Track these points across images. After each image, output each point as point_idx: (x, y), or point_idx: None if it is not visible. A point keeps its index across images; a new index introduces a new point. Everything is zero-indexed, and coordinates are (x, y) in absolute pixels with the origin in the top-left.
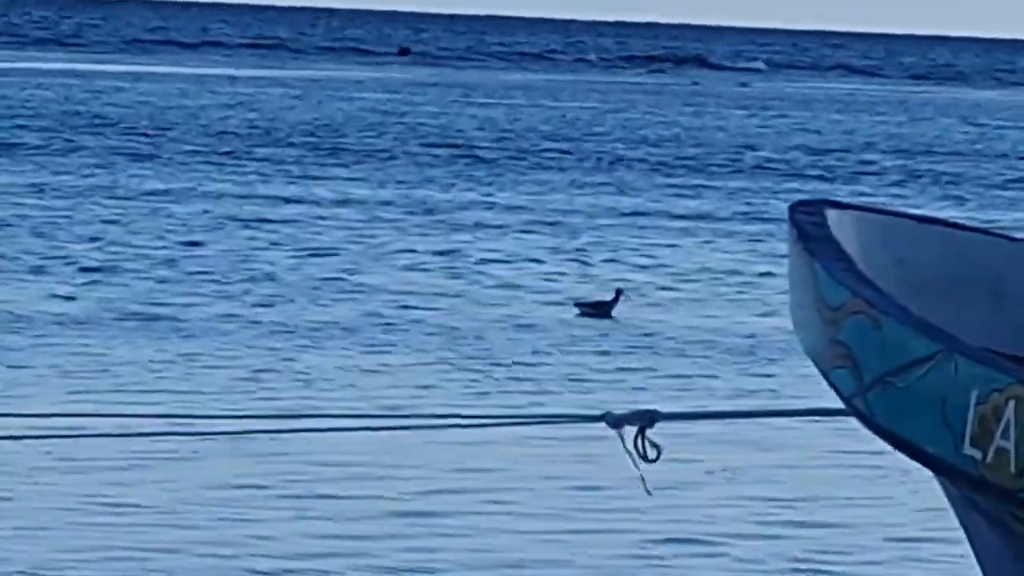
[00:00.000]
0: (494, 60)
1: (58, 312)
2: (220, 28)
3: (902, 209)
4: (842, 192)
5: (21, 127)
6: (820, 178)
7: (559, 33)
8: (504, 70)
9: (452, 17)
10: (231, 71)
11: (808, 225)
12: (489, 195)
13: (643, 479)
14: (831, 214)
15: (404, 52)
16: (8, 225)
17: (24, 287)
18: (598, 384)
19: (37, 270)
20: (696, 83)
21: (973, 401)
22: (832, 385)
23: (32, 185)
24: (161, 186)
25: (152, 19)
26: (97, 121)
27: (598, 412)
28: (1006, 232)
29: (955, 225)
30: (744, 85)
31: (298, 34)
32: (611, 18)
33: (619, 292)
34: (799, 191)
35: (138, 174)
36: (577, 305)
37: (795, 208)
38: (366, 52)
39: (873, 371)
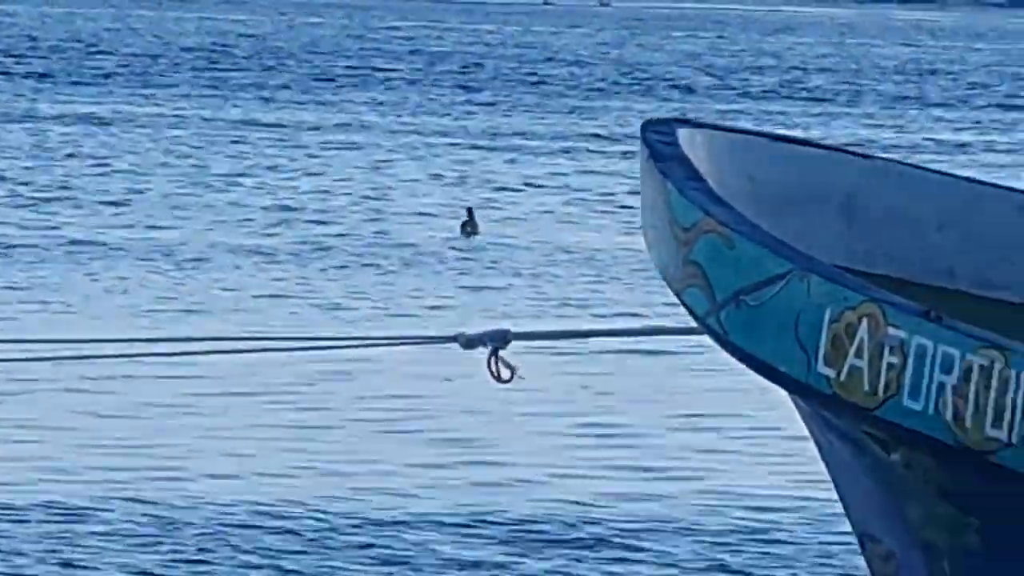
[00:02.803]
0: None
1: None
2: None
3: (755, 127)
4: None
5: None
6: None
7: None
8: None
9: None
10: None
11: (659, 144)
12: (343, 115)
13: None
14: (682, 133)
15: None
16: None
17: None
18: (457, 304)
19: None
20: (548, 3)
21: (827, 319)
22: (685, 304)
23: None
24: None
25: None
26: None
27: (452, 333)
28: (859, 149)
29: (807, 143)
30: (605, 5)
31: None
32: None
33: (470, 210)
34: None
35: None
36: (462, 226)
37: (647, 127)
38: None
39: (726, 290)
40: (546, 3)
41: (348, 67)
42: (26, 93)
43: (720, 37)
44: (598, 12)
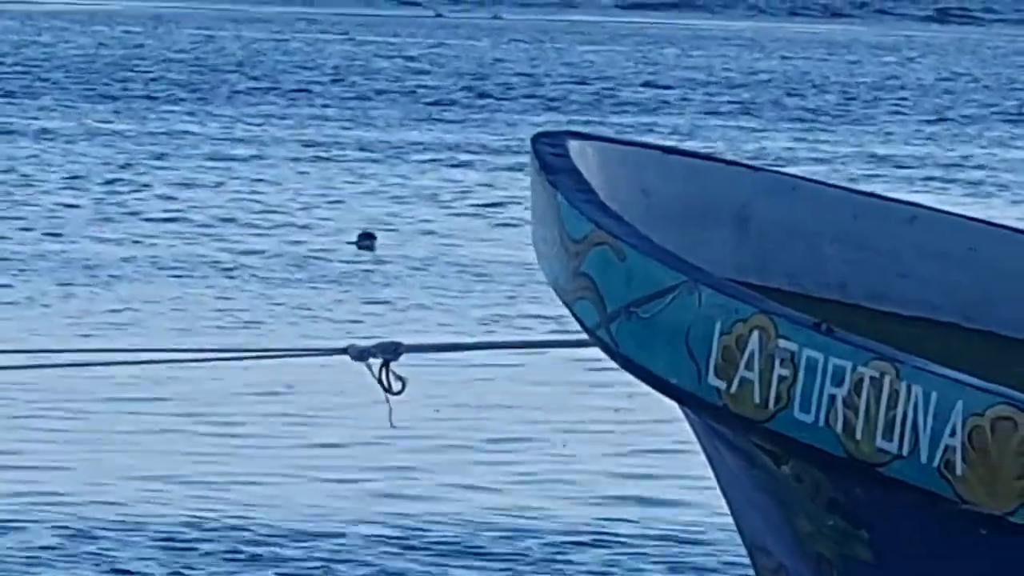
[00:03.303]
0: None
1: None
2: None
3: (646, 140)
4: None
5: None
6: (585, 109)
7: None
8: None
9: None
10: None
11: (550, 156)
12: (231, 126)
13: (389, 410)
14: (573, 145)
15: None
16: None
17: None
18: (349, 317)
19: None
20: (439, 15)
21: (717, 331)
22: (576, 316)
23: None
24: None
25: None
26: None
27: (342, 344)
28: (750, 161)
29: (699, 155)
30: (497, 18)
31: None
32: None
33: (366, 233)
34: (560, 123)
35: None
36: (359, 238)
37: (537, 139)
38: None
39: (616, 302)
40: (438, 15)
41: (250, 79)
42: None
43: (614, 50)
44: (493, 24)
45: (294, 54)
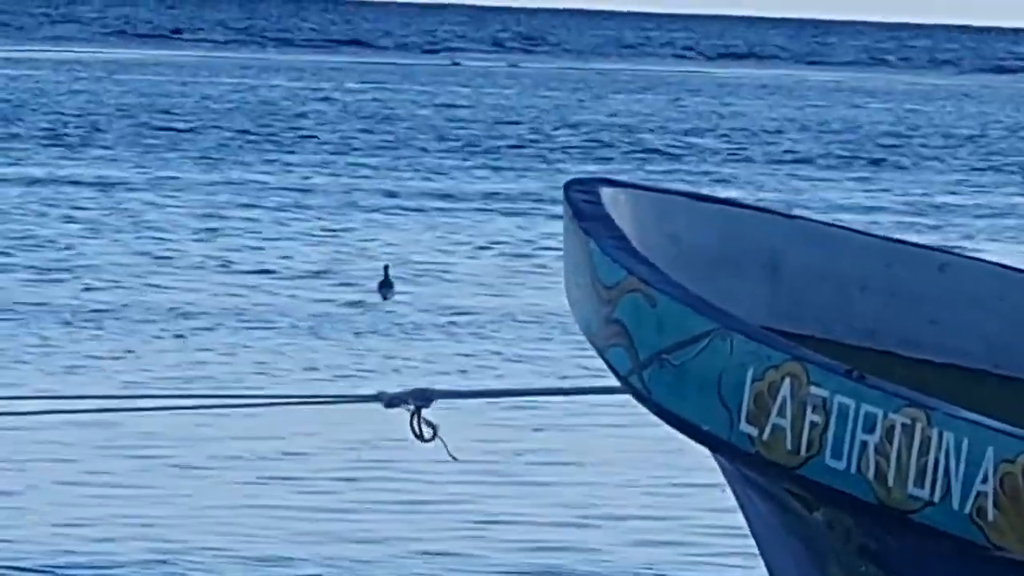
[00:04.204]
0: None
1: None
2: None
3: (679, 187)
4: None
5: None
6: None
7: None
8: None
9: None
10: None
11: (583, 203)
12: (258, 176)
13: (447, 449)
14: (606, 192)
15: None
16: None
17: None
18: (379, 365)
19: None
20: (457, 63)
21: (749, 378)
22: (608, 363)
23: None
24: None
25: None
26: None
27: (373, 392)
28: (781, 209)
29: (731, 202)
30: (514, 66)
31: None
32: None
33: (386, 268)
34: (582, 171)
35: None
36: (379, 286)
37: (570, 186)
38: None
39: (649, 349)
40: (454, 63)
41: (265, 127)
42: None
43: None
44: (511, 73)
45: (335, 103)
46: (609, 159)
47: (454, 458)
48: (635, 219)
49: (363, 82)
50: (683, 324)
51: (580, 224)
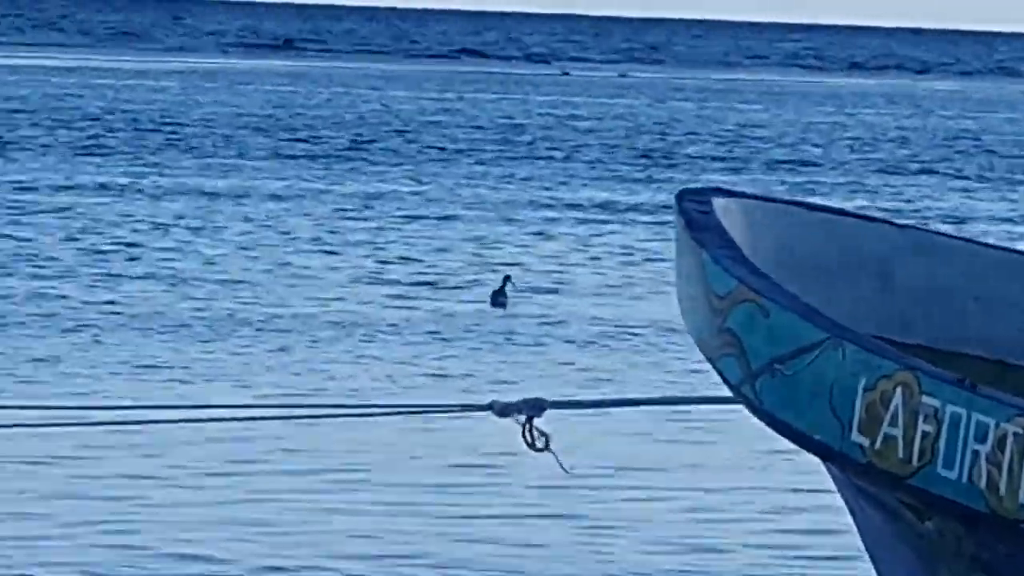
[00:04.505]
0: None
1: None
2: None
3: (793, 197)
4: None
5: None
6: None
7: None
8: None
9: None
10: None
11: (695, 213)
12: (382, 185)
13: (559, 461)
14: (718, 202)
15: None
16: None
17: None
18: (489, 372)
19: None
20: (567, 73)
21: (861, 388)
22: (720, 373)
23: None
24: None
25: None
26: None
27: (486, 401)
28: (892, 219)
29: (842, 212)
30: (623, 76)
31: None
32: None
33: (506, 278)
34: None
35: None
36: (492, 296)
37: (682, 196)
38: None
39: (761, 359)
40: (565, 74)
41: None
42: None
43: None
44: (620, 83)
45: (456, 113)
46: (737, 169)
47: (565, 470)
48: (747, 229)
49: (480, 91)
50: (795, 334)
51: (692, 234)
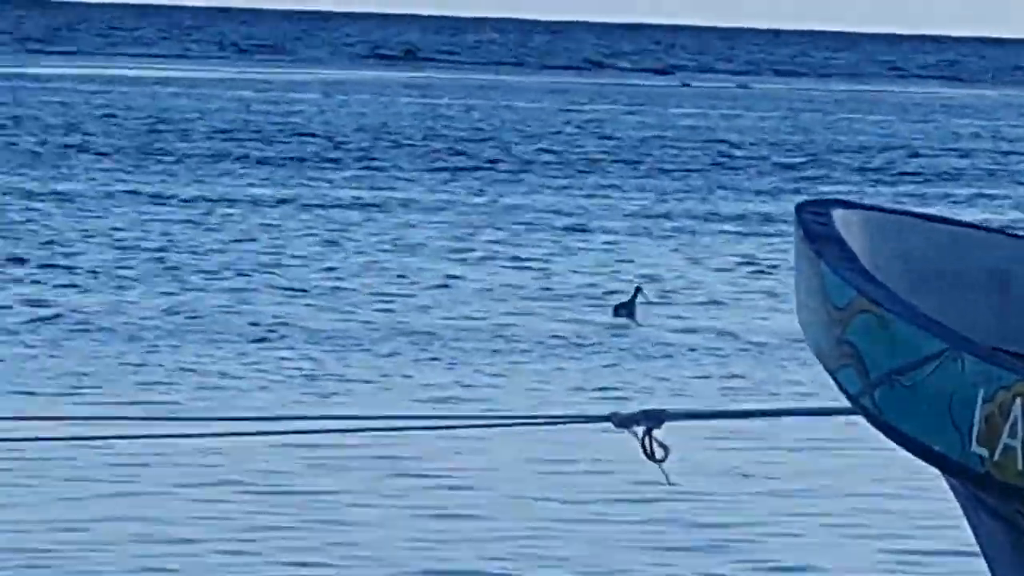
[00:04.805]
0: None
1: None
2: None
3: (909, 207)
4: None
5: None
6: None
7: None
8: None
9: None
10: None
11: (814, 224)
12: (506, 197)
13: (664, 473)
14: (837, 213)
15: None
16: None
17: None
18: (621, 384)
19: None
20: (687, 84)
21: (980, 399)
22: (839, 384)
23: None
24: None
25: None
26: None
27: (606, 412)
28: (1013, 230)
29: (961, 223)
30: (743, 87)
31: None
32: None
33: (637, 289)
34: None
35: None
36: (615, 308)
37: (801, 208)
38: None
39: (880, 369)
40: (685, 85)
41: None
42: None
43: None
44: (737, 94)
45: (586, 126)
46: (877, 182)
47: (670, 482)
48: (866, 239)
49: (603, 104)
50: (914, 345)
51: (811, 246)
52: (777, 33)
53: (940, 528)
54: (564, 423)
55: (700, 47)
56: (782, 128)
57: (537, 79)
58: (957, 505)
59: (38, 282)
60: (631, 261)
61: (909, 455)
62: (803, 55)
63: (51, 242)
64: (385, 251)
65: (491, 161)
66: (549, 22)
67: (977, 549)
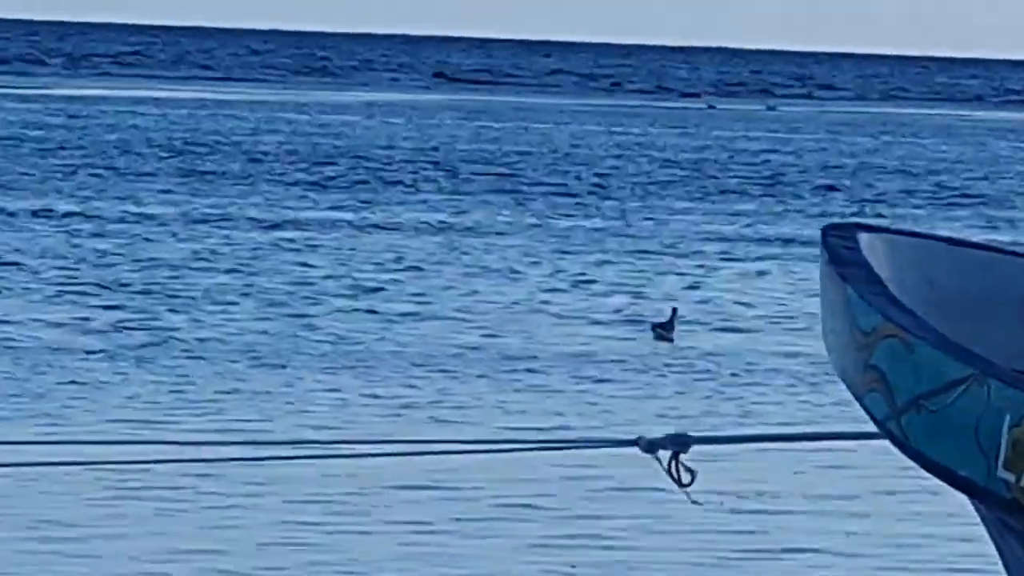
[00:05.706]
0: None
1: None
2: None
3: (934, 231)
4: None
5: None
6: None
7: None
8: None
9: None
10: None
11: (840, 248)
12: (533, 220)
13: (689, 497)
14: (863, 237)
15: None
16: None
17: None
18: (651, 407)
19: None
20: (712, 107)
21: (1007, 424)
22: (866, 409)
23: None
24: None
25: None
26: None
27: (632, 436)
28: None
29: (987, 247)
30: (771, 109)
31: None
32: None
33: (675, 311)
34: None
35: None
36: (653, 328)
37: (827, 231)
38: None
39: (906, 395)
40: (711, 107)
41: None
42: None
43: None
44: (765, 116)
45: (611, 148)
46: (920, 205)
47: (695, 502)
48: (891, 264)
49: (647, 123)
50: (941, 370)
51: (837, 270)
52: (798, 54)
53: (967, 557)
54: (589, 447)
55: (717, 68)
56: (830, 150)
57: (550, 100)
58: (984, 530)
59: (143, 311)
60: (668, 281)
61: (936, 479)
62: (831, 75)
63: (157, 265)
64: (467, 275)
65: (558, 185)
66: (555, 42)
67: (1004, 573)
